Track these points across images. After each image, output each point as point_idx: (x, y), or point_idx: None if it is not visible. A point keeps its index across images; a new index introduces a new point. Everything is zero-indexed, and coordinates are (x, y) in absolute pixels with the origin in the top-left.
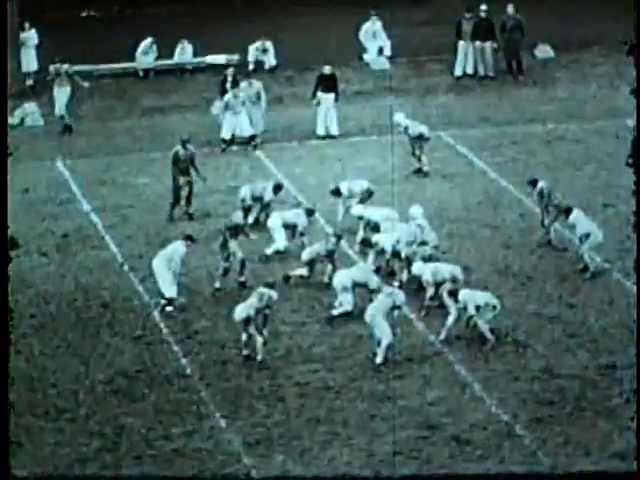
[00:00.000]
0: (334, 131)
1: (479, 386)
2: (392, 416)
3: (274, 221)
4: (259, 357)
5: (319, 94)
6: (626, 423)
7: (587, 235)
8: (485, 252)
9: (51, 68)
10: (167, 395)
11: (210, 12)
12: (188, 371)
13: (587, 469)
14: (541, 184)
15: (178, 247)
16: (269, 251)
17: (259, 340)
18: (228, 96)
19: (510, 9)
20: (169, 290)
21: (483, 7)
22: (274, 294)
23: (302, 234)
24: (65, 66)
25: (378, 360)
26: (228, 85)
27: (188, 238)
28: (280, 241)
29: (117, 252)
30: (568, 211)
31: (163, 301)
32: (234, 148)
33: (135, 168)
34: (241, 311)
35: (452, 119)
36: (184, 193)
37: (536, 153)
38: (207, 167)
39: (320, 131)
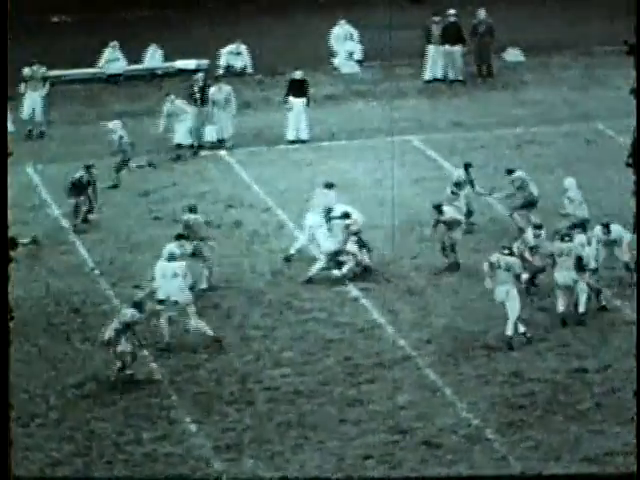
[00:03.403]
0: (304, 136)
1: (449, 390)
2: (362, 420)
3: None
4: (112, 378)
5: (290, 99)
6: (596, 427)
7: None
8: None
9: (26, 70)
10: (138, 400)
11: (180, 17)
12: (158, 376)
13: (557, 473)
14: (519, 173)
15: (172, 249)
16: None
17: (117, 363)
18: (168, 104)
19: (481, 13)
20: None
21: (452, 11)
22: (135, 314)
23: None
24: (42, 69)
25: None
26: (197, 89)
27: (180, 237)
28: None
29: (87, 257)
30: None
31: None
32: (203, 153)
33: (105, 173)
34: (104, 333)
35: (422, 123)
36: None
37: (506, 157)
38: (176, 172)
39: (290, 136)
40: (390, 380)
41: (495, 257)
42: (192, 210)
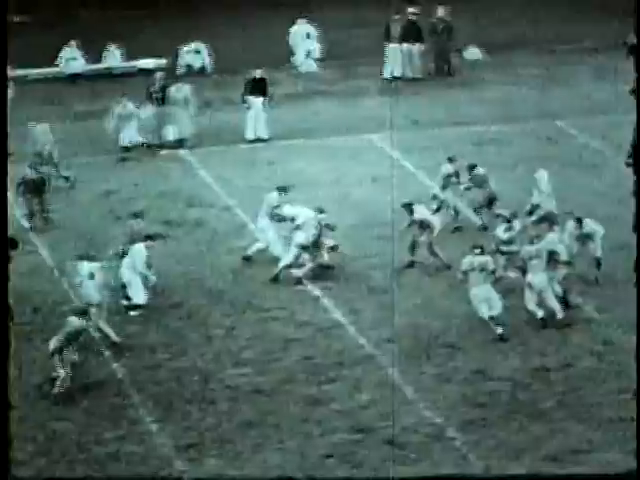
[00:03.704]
0: (264, 134)
1: (410, 389)
2: (324, 419)
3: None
4: (55, 390)
5: (249, 98)
6: (558, 425)
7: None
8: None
9: None
10: (99, 400)
11: (139, 17)
12: (120, 376)
13: (519, 472)
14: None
15: (139, 249)
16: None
17: (61, 373)
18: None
19: (440, 11)
20: (137, 296)
21: (411, 9)
22: (82, 322)
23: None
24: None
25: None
26: (155, 89)
27: (148, 238)
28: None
29: (48, 257)
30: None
31: (127, 302)
32: (163, 152)
33: (67, 173)
34: (50, 343)
35: (381, 122)
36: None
37: (466, 155)
38: (137, 171)
39: (250, 135)
40: (351, 379)
41: (467, 261)
42: (137, 216)
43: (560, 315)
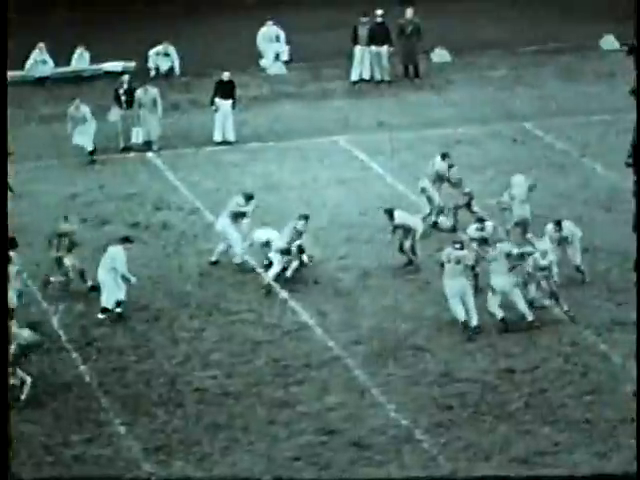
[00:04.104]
0: (231, 137)
1: (378, 391)
2: (291, 422)
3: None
4: (22, 396)
5: (217, 100)
6: (525, 427)
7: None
8: (383, 256)
9: None
10: (66, 402)
11: (106, 19)
12: (87, 378)
13: (487, 474)
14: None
15: (117, 251)
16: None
17: (27, 379)
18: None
19: (409, 13)
20: (108, 300)
21: (379, 12)
22: (28, 335)
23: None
24: None
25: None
26: (123, 92)
27: (126, 240)
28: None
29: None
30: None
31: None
32: (130, 155)
33: (33, 175)
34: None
35: (348, 124)
36: None
37: (433, 157)
38: (104, 174)
39: (217, 137)
40: (319, 381)
41: (445, 253)
42: (66, 219)
43: (530, 318)
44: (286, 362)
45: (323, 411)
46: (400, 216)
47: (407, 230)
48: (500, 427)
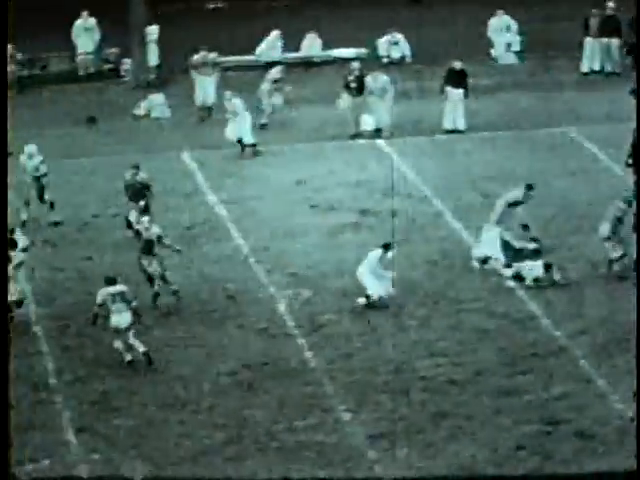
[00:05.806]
0: (461, 126)
1: (603, 382)
2: (516, 411)
3: None
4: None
5: (448, 89)
6: None
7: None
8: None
9: (195, 57)
10: (291, 388)
11: (335, 5)
12: (313, 364)
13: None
14: None
15: (374, 256)
16: None
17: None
18: (224, 100)
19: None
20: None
21: (610, 4)
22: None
23: None
24: (212, 55)
25: None
26: (352, 79)
27: (386, 247)
28: None
29: (243, 244)
30: None
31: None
32: (360, 142)
33: (262, 159)
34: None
35: (579, 115)
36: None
37: None
38: (335, 160)
39: (447, 125)
40: (544, 371)
41: None
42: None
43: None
44: (512, 351)
45: (548, 401)
46: None
47: None
48: None
